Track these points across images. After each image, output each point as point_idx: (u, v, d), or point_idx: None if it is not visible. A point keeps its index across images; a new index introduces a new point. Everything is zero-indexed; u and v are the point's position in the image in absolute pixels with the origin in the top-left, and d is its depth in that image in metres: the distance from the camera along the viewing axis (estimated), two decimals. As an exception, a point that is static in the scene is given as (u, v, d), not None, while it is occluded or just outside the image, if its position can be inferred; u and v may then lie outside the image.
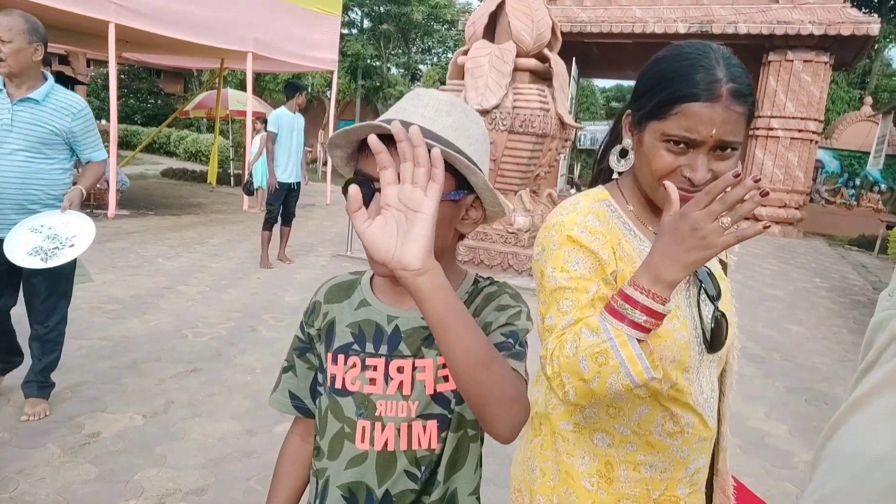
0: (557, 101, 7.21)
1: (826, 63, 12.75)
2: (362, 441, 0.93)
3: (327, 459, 0.96)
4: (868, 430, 0.60)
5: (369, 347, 0.94)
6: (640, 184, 1.10)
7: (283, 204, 6.84)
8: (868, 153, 13.13)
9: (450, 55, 26.85)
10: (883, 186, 14.32)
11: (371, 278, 1.00)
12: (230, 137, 15.79)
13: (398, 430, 0.92)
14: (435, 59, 28.93)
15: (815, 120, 12.89)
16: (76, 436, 2.93)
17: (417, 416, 0.91)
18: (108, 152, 9.06)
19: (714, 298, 1.12)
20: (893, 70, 25.16)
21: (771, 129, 12.96)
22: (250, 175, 8.69)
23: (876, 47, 19.89)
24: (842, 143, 14.61)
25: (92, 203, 9.44)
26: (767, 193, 0.85)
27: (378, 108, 22.54)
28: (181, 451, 2.89)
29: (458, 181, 0.87)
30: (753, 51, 12.83)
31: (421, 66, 28.91)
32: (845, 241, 13.85)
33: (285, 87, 7.24)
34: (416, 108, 0.88)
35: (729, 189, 0.86)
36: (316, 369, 1.01)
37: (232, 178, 14.63)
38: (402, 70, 27.11)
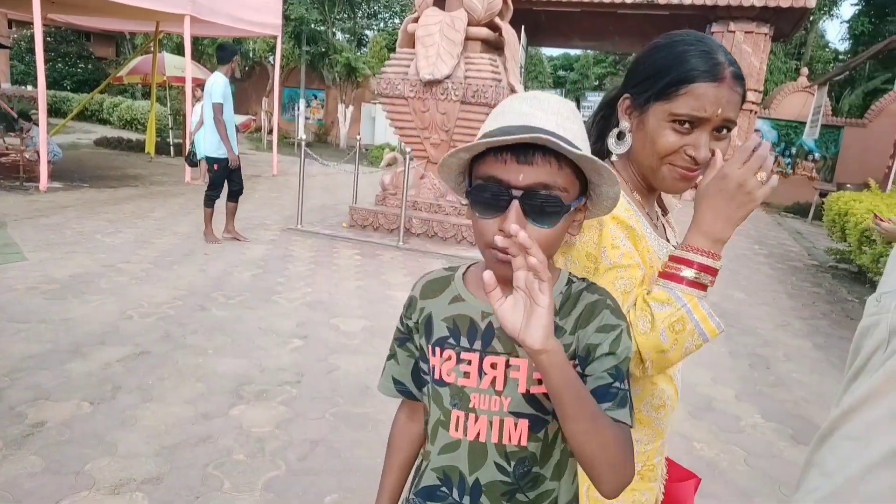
0: (509, 70, 7.17)
1: (766, 34, 13.09)
2: (456, 430, 0.97)
3: (429, 444, 1.03)
4: (863, 436, 0.61)
5: (464, 342, 0.97)
6: (638, 166, 1.16)
7: (227, 179, 6.56)
8: (804, 123, 13.59)
9: (396, 21, 26.27)
10: (817, 155, 14.89)
11: (464, 274, 1.04)
12: (168, 105, 15.11)
13: (490, 422, 0.95)
14: (381, 25, 28.26)
15: (755, 90, 13.25)
16: (19, 426, 2.79)
17: (509, 413, 0.95)
18: (37, 120, 8.55)
19: None
20: (826, 42, 26.04)
21: (713, 98, 13.22)
22: (192, 145, 8.32)
23: (811, 19, 20.50)
24: (779, 112, 15.06)
25: (22, 175, 8.93)
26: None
27: (323, 76, 21.87)
28: (133, 438, 2.78)
29: (582, 186, 0.91)
30: (697, 22, 13.02)
31: (367, 32, 28.21)
32: (781, 207, 14.43)
33: (218, 49, 6.86)
34: (545, 114, 0.89)
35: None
36: (416, 357, 1.06)
37: (171, 148, 14.06)
38: (347, 35, 26.39)
